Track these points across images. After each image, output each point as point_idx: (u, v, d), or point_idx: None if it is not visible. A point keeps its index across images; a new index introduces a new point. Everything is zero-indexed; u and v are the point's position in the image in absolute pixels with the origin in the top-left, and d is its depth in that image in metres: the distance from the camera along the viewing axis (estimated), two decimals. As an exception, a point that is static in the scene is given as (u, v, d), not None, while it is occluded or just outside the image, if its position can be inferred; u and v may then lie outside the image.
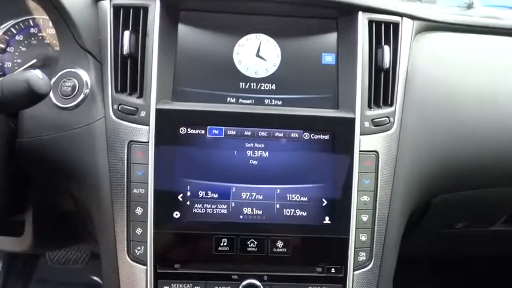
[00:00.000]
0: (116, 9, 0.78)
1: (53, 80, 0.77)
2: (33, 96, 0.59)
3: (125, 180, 0.73)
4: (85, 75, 0.78)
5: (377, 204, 0.75)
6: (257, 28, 0.82)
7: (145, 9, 0.77)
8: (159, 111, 0.73)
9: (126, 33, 0.76)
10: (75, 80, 0.77)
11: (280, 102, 0.80)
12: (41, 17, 0.98)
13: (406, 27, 0.82)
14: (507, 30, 0.91)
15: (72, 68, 0.78)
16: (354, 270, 0.73)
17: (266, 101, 0.80)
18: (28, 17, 0.99)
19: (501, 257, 1.30)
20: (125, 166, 0.73)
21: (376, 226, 0.75)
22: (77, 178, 0.77)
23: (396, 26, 0.81)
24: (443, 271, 1.39)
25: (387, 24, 0.81)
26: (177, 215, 0.72)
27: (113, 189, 0.73)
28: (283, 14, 0.82)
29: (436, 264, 1.36)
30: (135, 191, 0.72)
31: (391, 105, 0.79)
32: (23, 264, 1.58)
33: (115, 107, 0.76)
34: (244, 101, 0.79)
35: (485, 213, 1.01)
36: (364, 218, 0.74)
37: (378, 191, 0.75)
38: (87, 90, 0.77)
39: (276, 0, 0.81)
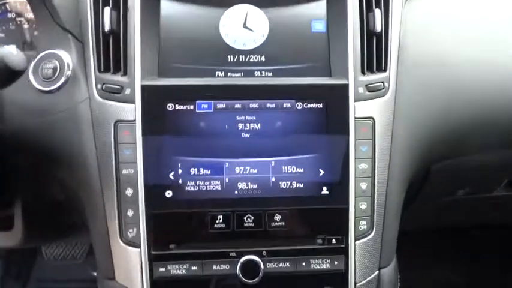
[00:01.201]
0: None
1: (33, 62, 0.74)
2: (9, 73, 0.56)
3: (113, 161, 0.70)
4: (66, 56, 0.74)
5: (375, 171, 0.72)
6: None
7: None
8: (144, 88, 0.70)
9: (107, 10, 0.73)
10: (56, 62, 0.74)
11: (270, 74, 0.76)
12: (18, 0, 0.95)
13: None
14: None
15: (52, 50, 0.75)
16: (355, 240, 0.71)
17: (256, 73, 0.76)
18: (4, 1, 0.95)
19: (504, 224, 1.29)
20: (112, 146, 0.70)
21: (375, 194, 0.72)
22: (65, 163, 0.75)
23: None
24: (446, 242, 1.38)
25: None
26: (169, 194, 0.69)
27: (101, 171, 0.70)
28: None
29: (439, 235, 1.34)
30: (124, 171, 0.70)
31: (385, 70, 0.76)
32: (21, 263, 1.56)
33: (99, 86, 0.73)
34: (234, 75, 0.76)
35: (485, 179, 0.99)
36: (363, 186, 0.72)
37: (376, 157, 0.73)
38: (69, 72, 0.74)
39: None
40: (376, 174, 0.72)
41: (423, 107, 0.78)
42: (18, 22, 0.95)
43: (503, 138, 0.86)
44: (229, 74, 0.76)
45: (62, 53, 0.75)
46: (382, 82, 0.75)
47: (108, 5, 0.73)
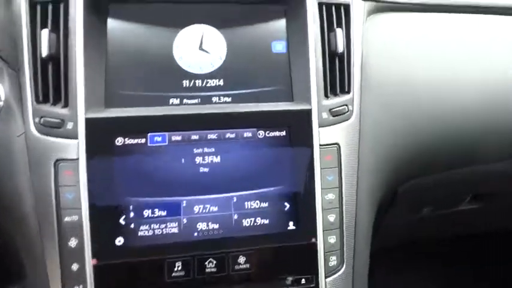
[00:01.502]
0: (32, 4, 0.66)
1: None
2: None
3: (54, 206, 0.62)
4: None
5: (343, 201, 0.69)
6: (197, 18, 0.73)
7: (66, 2, 0.67)
8: (89, 122, 0.63)
9: (45, 32, 0.65)
10: None
11: (229, 99, 0.71)
12: None
13: (357, 9, 0.77)
14: (459, 7, 0.88)
15: None
16: (325, 277, 0.67)
17: (214, 99, 0.71)
18: None
19: (470, 234, 1.30)
20: (52, 189, 0.62)
21: (344, 225, 0.69)
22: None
23: (347, 7, 0.75)
24: (415, 257, 1.37)
25: (337, 6, 0.74)
26: (120, 241, 0.62)
27: (40, 218, 0.63)
28: (225, 0, 0.74)
29: (408, 251, 1.34)
30: (66, 218, 0.62)
31: (348, 92, 0.73)
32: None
33: (37, 120, 0.65)
34: (189, 101, 0.70)
35: (450, 195, 0.98)
36: (331, 218, 0.68)
37: (343, 186, 0.69)
38: (1, 103, 0.65)
39: None
40: (344, 204, 0.69)
41: (388, 127, 0.76)
42: None
43: (467, 155, 0.85)
44: (184, 100, 0.70)
45: None
46: (346, 105, 0.72)
47: (46, 27, 0.66)
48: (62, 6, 0.67)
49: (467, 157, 0.86)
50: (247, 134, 0.67)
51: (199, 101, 0.71)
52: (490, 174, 0.90)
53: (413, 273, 1.36)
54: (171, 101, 0.70)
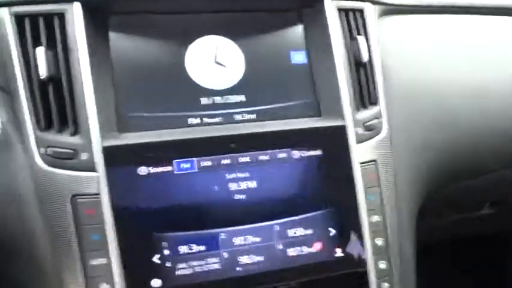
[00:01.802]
0: (18, 19, 0.57)
1: None
2: None
3: (77, 249, 0.54)
4: None
5: (387, 222, 0.65)
6: (209, 29, 0.67)
7: (61, 15, 0.58)
8: (106, 151, 0.55)
9: (40, 51, 0.56)
10: None
11: (254, 116, 0.65)
12: None
13: (370, 13, 0.73)
14: (466, 8, 0.87)
15: None
16: None
17: (237, 117, 0.65)
18: None
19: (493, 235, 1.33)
20: (73, 230, 0.54)
21: (390, 248, 0.64)
22: (6, 256, 0.57)
23: (362, 12, 0.71)
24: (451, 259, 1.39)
25: (354, 11, 0.71)
26: (156, 283, 0.55)
27: (60, 264, 0.54)
28: (236, 9, 0.68)
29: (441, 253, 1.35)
30: (93, 262, 0.54)
31: (376, 103, 0.69)
32: None
33: (42, 150, 0.56)
34: (210, 120, 0.64)
35: (472, 201, 0.98)
36: (379, 242, 0.63)
37: (386, 206, 0.65)
38: None
39: None
40: (388, 226, 0.64)
41: (419, 137, 0.73)
42: None
43: (502, 160, 0.84)
44: (204, 120, 0.64)
45: None
46: (377, 118, 0.68)
47: (41, 45, 0.57)
48: (56, 19, 0.58)
49: (502, 162, 0.85)
50: (282, 155, 0.62)
51: (222, 119, 0.64)
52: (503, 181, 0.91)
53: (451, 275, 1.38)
54: (189, 120, 0.63)
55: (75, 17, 0.58)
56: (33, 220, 0.55)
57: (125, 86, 0.62)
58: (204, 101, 0.64)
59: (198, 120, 0.63)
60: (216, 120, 0.64)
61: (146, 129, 0.60)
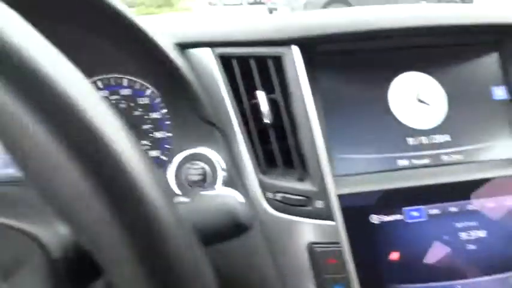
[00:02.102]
0: (226, 60, 0.59)
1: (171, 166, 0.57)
2: (234, 229, 0.38)
3: None
4: (214, 155, 0.58)
5: None
6: (409, 65, 0.65)
7: (277, 59, 0.59)
8: (342, 199, 0.55)
9: (261, 95, 0.57)
10: (203, 164, 0.57)
11: (461, 157, 0.63)
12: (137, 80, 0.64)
13: None
14: None
15: (194, 148, 0.58)
16: None
17: (444, 158, 0.63)
18: (122, 76, 0.63)
19: None
20: (312, 279, 0.54)
21: None
22: None
23: None
24: None
25: None
26: None
27: None
28: (435, 44, 0.66)
29: None
30: None
31: None
32: None
33: (269, 195, 0.56)
34: (418, 162, 0.62)
35: None
36: None
37: None
38: (225, 173, 0.57)
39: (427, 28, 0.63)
40: None
41: None
42: (132, 104, 0.64)
43: None
44: (413, 161, 0.62)
45: (208, 152, 0.58)
46: None
47: (259, 88, 0.58)
48: (270, 62, 0.58)
49: None
50: (509, 202, 0.59)
51: (430, 161, 0.63)
52: None
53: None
54: (398, 162, 0.62)
55: (296, 61, 0.58)
56: (267, 266, 0.56)
57: (335, 128, 0.61)
58: (411, 141, 0.63)
59: (406, 162, 0.62)
60: (424, 161, 0.62)
61: (360, 172, 0.60)
